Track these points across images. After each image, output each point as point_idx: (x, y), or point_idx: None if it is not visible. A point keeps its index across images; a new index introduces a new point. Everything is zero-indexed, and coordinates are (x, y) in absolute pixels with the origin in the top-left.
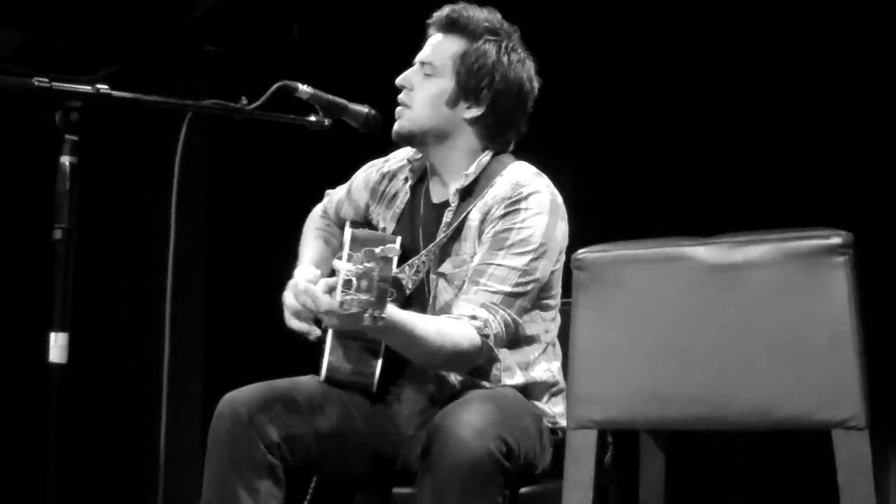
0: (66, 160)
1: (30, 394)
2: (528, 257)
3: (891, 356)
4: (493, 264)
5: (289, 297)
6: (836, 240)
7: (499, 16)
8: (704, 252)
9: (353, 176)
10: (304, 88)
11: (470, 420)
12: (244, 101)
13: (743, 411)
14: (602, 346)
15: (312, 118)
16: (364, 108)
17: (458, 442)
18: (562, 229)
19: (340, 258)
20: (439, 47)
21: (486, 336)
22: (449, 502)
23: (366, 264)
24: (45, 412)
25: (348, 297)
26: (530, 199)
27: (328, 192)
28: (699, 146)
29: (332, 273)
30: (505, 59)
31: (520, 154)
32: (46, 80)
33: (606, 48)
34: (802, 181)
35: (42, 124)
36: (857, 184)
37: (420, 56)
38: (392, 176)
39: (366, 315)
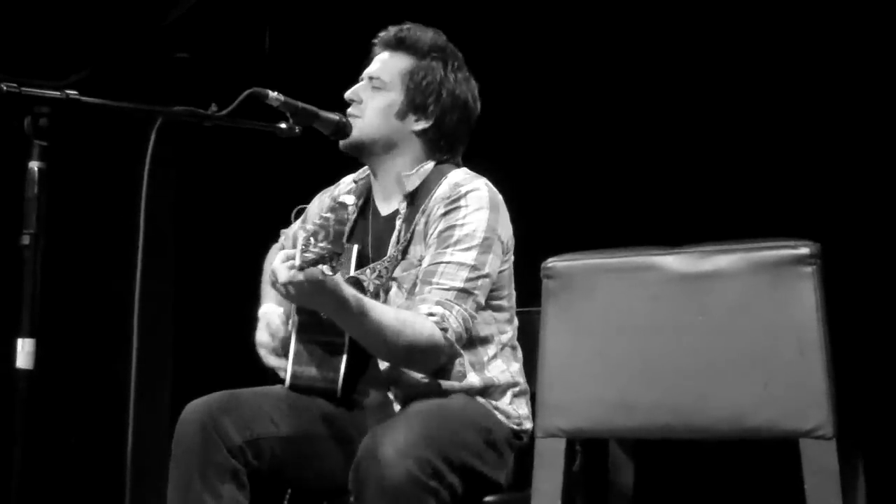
0: (34, 165)
1: None
2: (475, 252)
3: (858, 366)
4: (442, 262)
5: (262, 336)
6: (804, 250)
7: (444, 37)
8: (673, 261)
9: (308, 207)
10: (275, 95)
11: (393, 441)
12: (214, 107)
13: (711, 420)
14: (571, 354)
15: (283, 125)
16: (335, 116)
17: (379, 464)
18: (504, 224)
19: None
20: (388, 63)
21: (445, 329)
22: None
23: (322, 215)
24: (11, 419)
25: (308, 256)
26: (469, 196)
27: (283, 231)
28: (669, 156)
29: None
30: (451, 76)
31: (490, 165)
32: (15, 84)
33: (574, 56)
34: (771, 191)
35: (10, 129)
36: (825, 194)
37: (368, 71)
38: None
39: (325, 267)
